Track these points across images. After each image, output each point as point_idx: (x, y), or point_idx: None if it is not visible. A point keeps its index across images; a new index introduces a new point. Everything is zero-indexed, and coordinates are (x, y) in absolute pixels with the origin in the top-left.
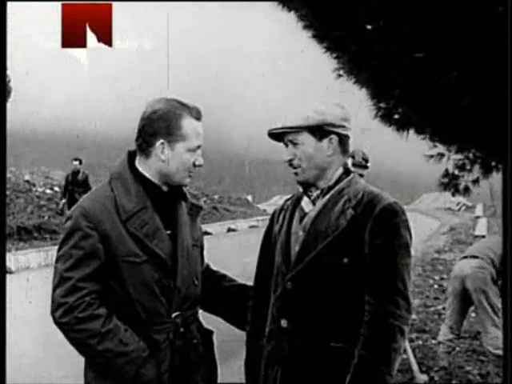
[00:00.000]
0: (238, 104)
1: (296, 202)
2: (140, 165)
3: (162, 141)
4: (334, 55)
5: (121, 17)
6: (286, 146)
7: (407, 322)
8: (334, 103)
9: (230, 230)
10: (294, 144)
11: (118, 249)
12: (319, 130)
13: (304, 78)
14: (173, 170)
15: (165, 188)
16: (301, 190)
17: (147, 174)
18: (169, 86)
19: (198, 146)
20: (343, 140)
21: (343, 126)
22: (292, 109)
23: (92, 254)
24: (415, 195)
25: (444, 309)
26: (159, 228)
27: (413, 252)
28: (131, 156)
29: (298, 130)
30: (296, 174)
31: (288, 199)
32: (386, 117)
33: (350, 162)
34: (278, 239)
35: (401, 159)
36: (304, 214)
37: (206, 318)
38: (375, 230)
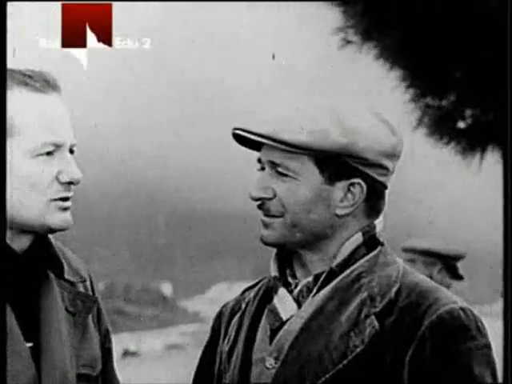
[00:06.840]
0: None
1: (263, 296)
2: None
3: None
4: (337, 2)
5: (121, 17)
6: (262, 167)
7: None
8: (380, 118)
9: (127, 353)
10: (280, 174)
11: None
12: (335, 164)
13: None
14: (10, 200)
15: (19, 246)
16: (273, 272)
17: None
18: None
19: (58, 146)
20: (375, 189)
21: (384, 167)
22: (293, 109)
23: None
24: None
25: None
26: (13, 337)
27: None
28: None
29: (297, 151)
30: (266, 226)
31: (248, 289)
32: (438, 126)
33: (380, 224)
34: (226, 370)
35: (489, 219)
36: (279, 325)
37: None
38: (423, 363)
